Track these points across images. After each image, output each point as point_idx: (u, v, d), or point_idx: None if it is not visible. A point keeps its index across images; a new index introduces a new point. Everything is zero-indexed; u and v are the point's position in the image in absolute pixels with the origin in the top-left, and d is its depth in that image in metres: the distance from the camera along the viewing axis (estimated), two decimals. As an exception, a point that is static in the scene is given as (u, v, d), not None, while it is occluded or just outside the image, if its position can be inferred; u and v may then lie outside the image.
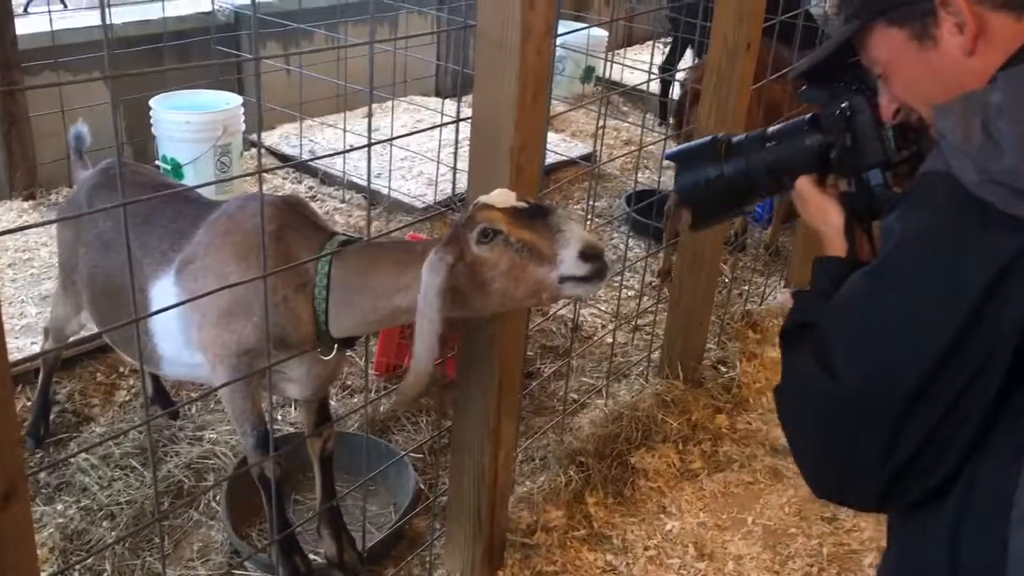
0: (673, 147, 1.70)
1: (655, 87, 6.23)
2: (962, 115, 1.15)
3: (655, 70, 6.05)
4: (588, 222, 4.26)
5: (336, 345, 2.11)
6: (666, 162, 4.49)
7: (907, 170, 1.47)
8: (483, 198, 1.88)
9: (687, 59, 6.05)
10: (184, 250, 2.21)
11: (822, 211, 1.49)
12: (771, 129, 1.58)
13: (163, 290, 2.21)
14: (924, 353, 1.15)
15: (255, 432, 2.21)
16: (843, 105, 1.47)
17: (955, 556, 1.21)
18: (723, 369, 3.62)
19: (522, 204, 1.85)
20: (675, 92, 5.99)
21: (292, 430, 3.01)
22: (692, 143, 1.66)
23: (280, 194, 2.18)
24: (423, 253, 1.91)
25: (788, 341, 1.43)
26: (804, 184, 1.52)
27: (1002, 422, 1.16)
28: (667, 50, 6.40)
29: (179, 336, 2.21)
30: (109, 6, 4.29)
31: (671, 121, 5.84)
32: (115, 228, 2.35)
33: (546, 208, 1.87)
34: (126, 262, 2.21)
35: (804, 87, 1.55)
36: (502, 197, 1.87)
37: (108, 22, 4.28)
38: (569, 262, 1.79)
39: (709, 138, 1.63)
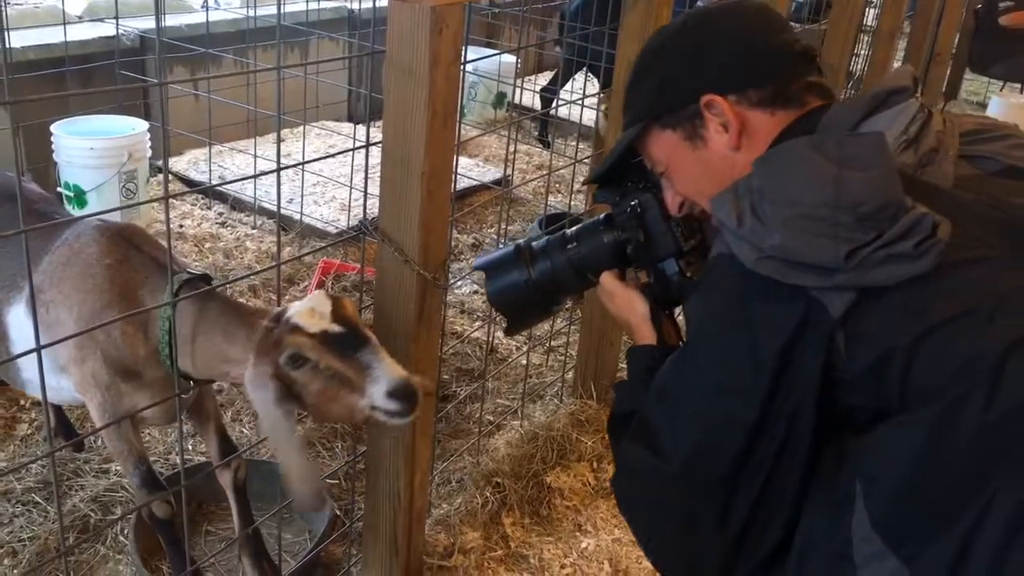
0: (480, 257, 1.79)
1: (564, 112, 6.37)
2: (733, 202, 1.25)
3: (551, 94, 6.23)
4: (502, 245, 4.31)
5: (193, 383, 2.09)
6: (577, 185, 4.57)
7: (697, 256, 1.59)
8: (295, 314, 1.81)
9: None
10: (34, 277, 2.13)
11: (628, 303, 1.60)
12: (569, 231, 1.68)
13: (18, 318, 2.16)
14: (737, 426, 1.25)
15: (137, 471, 2.17)
16: (633, 203, 1.58)
17: None
18: (635, 388, 3.69)
19: (335, 329, 1.80)
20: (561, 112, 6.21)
21: (204, 459, 2.95)
22: (496, 253, 1.76)
23: (119, 222, 2.14)
24: (249, 332, 1.90)
25: (615, 432, 1.50)
26: (608, 280, 1.63)
27: (817, 481, 1.26)
28: (557, 73, 6.56)
29: (44, 363, 2.13)
30: (8, 30, 4.18)
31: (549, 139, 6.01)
32: None
33: (361, 337, 1.82)
34: None
35: (597, 190, 1.66)
36: (318, 310, 1.82)
37: (8, 46, 4.17)
38: (377, 398, 1.77)
39: (512, 246, 1.73)
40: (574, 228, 1.68)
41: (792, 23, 5.21)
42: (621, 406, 1.50)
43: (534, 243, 1.71)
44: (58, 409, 2.92)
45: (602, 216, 1.65)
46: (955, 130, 1.37)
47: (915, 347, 1.15)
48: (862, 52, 6.35)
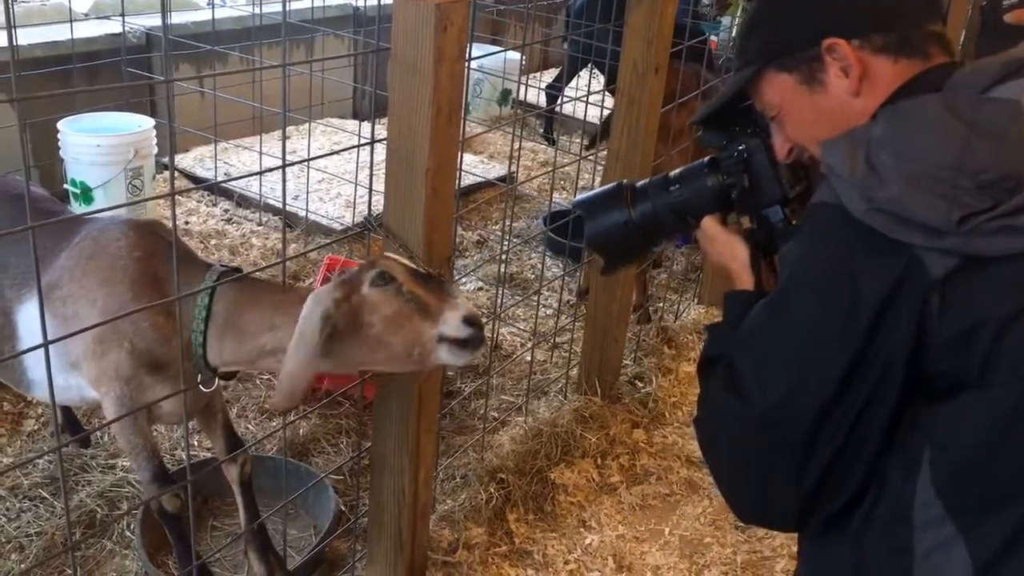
0: (579, 196, 1.76)
1: (568, 109, 6.37)
2: (848, 149, 1.24)
3: (556, 91, 6.25)
4: (506, 242, 4.32)
5: (217, 377, 2.11)
6: (582, 182, 4.56)
7: (802, 204, 1.56)
8: (387, 256, 1.94)
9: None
10: (47, 273, 2.14)
11: (729, 248, 1.57)
12: (673, 173, 1.65)
13: (32, 315, 2.14)
14: (825, 375, 1.23)
15: (149, 466, 2.18)
16: (740, 148, 1.56)
17: (860, 570, 1.30)
18: (640, 384, 3.70)
19: (420, 270, 1.92)
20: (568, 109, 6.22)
21: (209, 455, 2.97)
22: (597, 191, 1.73)
23: (145, 219, 2.14)
24: (301, 297, 1.93)
25: (704, 373, 1.49)
26: (710, 224, 1.61)
27: (892, 443, 1.25)
28: (562, 70, 6.57)
29: (52, 361, 2.14)
30: (16, 27, 4.19)
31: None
32: None
33: (443, 279, 1.93)
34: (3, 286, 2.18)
35: (701, 132, 1.63)
36: (404, 260, 1.94)
37: (16, 43, 4.18)
38: (452, 323, 1.84)
39: (613, 185, 1.70)
40: (677, 170, 1.65)
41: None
42: (711, 349, 1.49)
43: (636, 184, 1.68)
44: (66, 407, 2.92)
45: (707, 159, 1.62)
46: None
47: (1010, 322, 1.15)
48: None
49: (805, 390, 1.25)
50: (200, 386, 2.09)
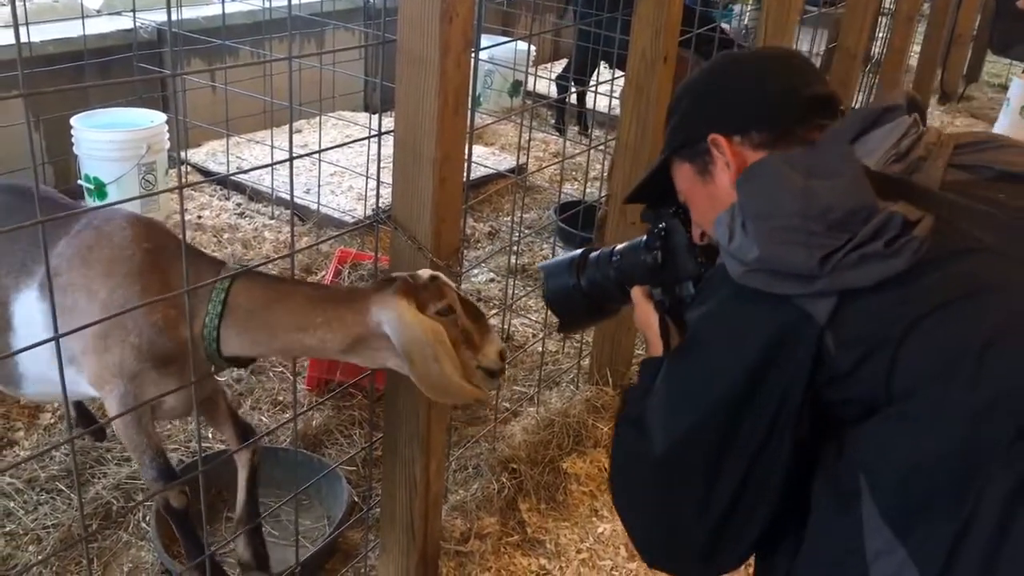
0: (546, 260, 1.98)
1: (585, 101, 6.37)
2: (728, 222, 1.32)
3: (566, 81, 6.24)
4: (517, 233, 4.32)
5: (226, 363, 2.10)
6: (593, 172, 4.55)
7: None
8: (441, 280, 2.00)
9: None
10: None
11: (646, 316, 1.70)
12: (618, 247, 1.83)
13: (28, 305, 2.08)
14: (713, 420, 1.31)
15: (154, 464, 2.14)
16: (660, 226, 1.71)
17: None
18: (651, 374, 3.69)
19: (468, 298, 2.07)
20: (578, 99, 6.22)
21: (222, 447, 2.99)
22: (560, 257, 1.93)
23: (182, 204, 2.13)
24: (333, 299, 2.00)
25: (618, 431, 1.57)
26: (636, 293, 1.75)
27: (821, 476, 1.32)
28: (570, 61, 6.55)
29: (44, 354, 2.04)
30: (27, 24, 4.22)
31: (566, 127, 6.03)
32: None
33: (479, 311, 2.07)
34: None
35: (643, 210, 1.78)
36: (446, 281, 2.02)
37: (27, 39, 4.22)
38: (491, 356, 2.01)
39: (575, 253, 1.90)
40: (622, 245, 1.83)
41: (809, 7, 5.16)
42: (628, 410, 1.56)
43: (590, 253, 1.87)
44: (79, 403, 2.93)
45: (644, 236, 1.78)
46: (950, 142, 1.41)
47: (900, 342, 1.20)
48: (881, 35, 6.30)
49: (701, 427, 1.33)
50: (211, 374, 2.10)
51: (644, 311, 1.70)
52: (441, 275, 2.03)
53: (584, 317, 1.98)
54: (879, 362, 1.21)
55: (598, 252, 1.86)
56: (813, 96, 1.45)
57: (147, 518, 2.71)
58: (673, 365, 1.44)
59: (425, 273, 2.01)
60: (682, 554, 1.40)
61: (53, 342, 1.40)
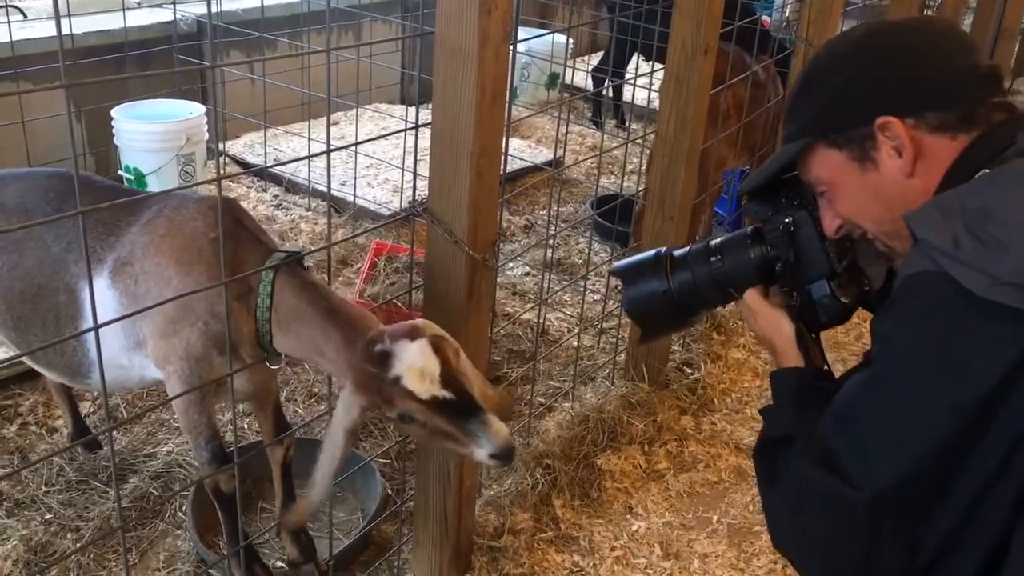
0: (619, 261, 1.72)
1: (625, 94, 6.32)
2: (940, 220, 1.18)
3: (603, 74, 6.20)
4: (553, 227, 4.30)
5: (283, 355, 2.11)
6: (630, 166, 4.52)
7: (847, 278, 1.52)
8: (403, 374, 1.78)
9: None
10: (116, 248, 2.13)
11: (774, 324, 1.52)
12: (714, 242, 1.62)
13: (98, 292, 2.08)
14: (941, 455, 1.16)
15: (210, 446, 2.18)
16: (786, 220, 1.51)
17: None
18: (688, 371, 3.66)
19: (446, 395, 1.78)
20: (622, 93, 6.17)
21: (256, 439, 3.00)
22: (636, 257, 1.68)
23: (220, 195, 2.13)
24: (346, 337, 1.92)
25: (765, 457, 1.42)
26: (753, 298, 1.56)
27: (1017, 531, 1.15)
28: (607, 53, 6.50)
29: (116, 341, 2.14)
30: (69, 16, 4.26)
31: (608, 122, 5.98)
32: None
33: (467, 404, 1.81)
34: (52, 260, 2.17)
35: (747, 202, 1.59)
36: (428, 371, 1.79)
37: (69, 31, 4.26)
38: (480, 456, 1.82)
39: (653, 252, 1.66)
40: (718, 240, 1.62)
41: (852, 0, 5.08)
42: (772, 431, 1.42)
43: (675, 252, 1.64)
44: (75, 410, 2.94)
45: (749, 230, 1.59)
46: None
47: None
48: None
49: (918, 470, 1.17)
50: (267, 363, 2.11)
51: (771, 317, 1.53)
52: (411, 380, 1.79)
53: (670, 324, 1.75)
54: None
55: (687, 250, 1.64)
56: (985, 70, 1.31)
57: (183, 507, 2.72)
58: (878, 392, 1.25)
59: (409, 361, 1.80)
60: None
61: (109, 326, 1.40)
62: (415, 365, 1.78)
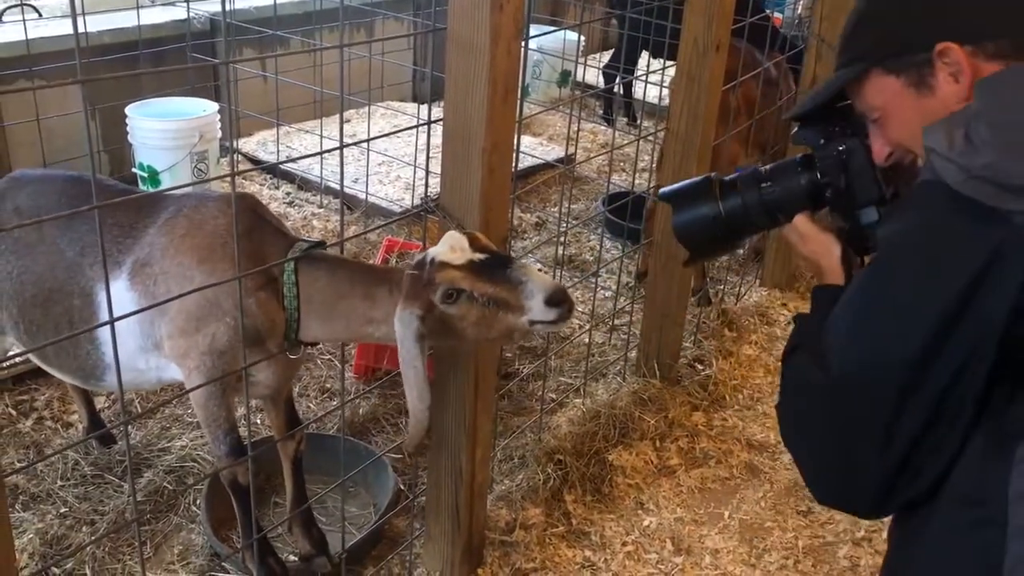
0: (668, 186, 1.75)
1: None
2: (946, 128, 1.23)
3: (614, 71, 6.20)
4: (565, 224, 4.30)
5: (303, 345, 2.13)
6: (641, 164, 4.52)
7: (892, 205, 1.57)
8: (437, 253, 1.91)
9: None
10: (134, 251, 2.13)
11: (823, 246, 1.58)
12: (763, 168, 1.66)
13: (116, 295, 2.07)
14: (912, 343, 1.20)
15: (228, 439, 2.20)
16: (840, 148, 1.55)
17: (945, 551, 1.25)
18: (699, 367, 3.66)
19: (479, 256, 1.89)
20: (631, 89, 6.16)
21: (269, 433, 3.02)
22: (684, 183, 1.72)
23: (239, 191, 2.14)
24: (390, 289, 1.97)
25: (788, 360, 1.48)
26: (803, 222, 1.61)
27: (981, 420, 1.21)
28: (617, 50, 6.50)
29: (133, 341, 2.15)
30: (84, 14, 4.29)
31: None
32: (35, 229, 2.22)
33: (504, 258, 1.92)
34: (65, 265, 2.18)
35: (796, 130, 1.62)
36: (456, 247, 1.90)
37: (83, 29, 4.29)
38: (537, 310, 1.87)
39: (702, 178, 1.70)
40: (768, 166, 1.66)
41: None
42: (798, 337, 1.48)
43: (725, 178, 1.69)
44: (90, 404, 2.96)
45: (799, 156, 1.63)
46: None
47: None
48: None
49: (889, 357, 1.23)
50: (288, 354, 2.13)
51: (820, 240, 1.58)
52: (443, 255, 1.92)
53: (717, 247, 1.80)
54: None
55: (736, 176, 1.68)
56: None
57: (197, 501, 2.74)
58: (868, 282, 1.32)
59: (438, 247, 1.93)
60: (858, 490, 1.31)
61: (125, 325, 1.42)
62: (445, 242, 1.92)
